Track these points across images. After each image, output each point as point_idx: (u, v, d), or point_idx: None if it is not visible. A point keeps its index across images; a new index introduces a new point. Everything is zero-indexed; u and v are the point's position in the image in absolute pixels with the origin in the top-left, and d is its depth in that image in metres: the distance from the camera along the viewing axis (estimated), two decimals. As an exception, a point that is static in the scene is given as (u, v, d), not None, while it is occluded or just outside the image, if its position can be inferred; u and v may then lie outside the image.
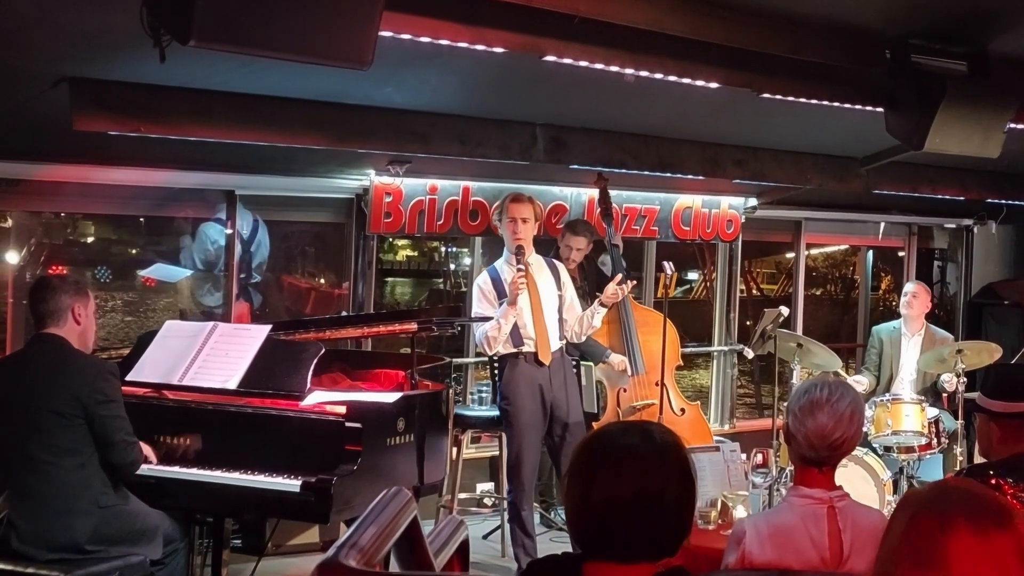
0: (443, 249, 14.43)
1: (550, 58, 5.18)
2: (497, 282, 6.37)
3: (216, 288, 7.53)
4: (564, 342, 6.47)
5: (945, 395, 7.83)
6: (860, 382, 7.89)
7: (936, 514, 1.91)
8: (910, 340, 8.14)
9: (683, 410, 7.12)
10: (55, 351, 4.55)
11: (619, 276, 6.44)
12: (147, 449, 4.86)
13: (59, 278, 4.91)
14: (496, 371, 6.79)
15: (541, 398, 6.31)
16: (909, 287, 8.37)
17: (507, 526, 6.92)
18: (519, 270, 6.18)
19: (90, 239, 13.01)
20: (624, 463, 2.34)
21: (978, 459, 4.90)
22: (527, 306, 6.28)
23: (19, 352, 5.05)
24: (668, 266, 6.80)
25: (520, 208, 6.33)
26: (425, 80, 5.81)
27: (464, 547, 2.63)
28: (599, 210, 7.37)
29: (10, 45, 4.79)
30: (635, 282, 6.63)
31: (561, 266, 6.62)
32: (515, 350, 6.31)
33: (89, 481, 4.46)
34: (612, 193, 7.45)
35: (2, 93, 5.33)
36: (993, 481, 3.80)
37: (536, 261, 6.46)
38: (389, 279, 15.67)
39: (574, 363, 6.66)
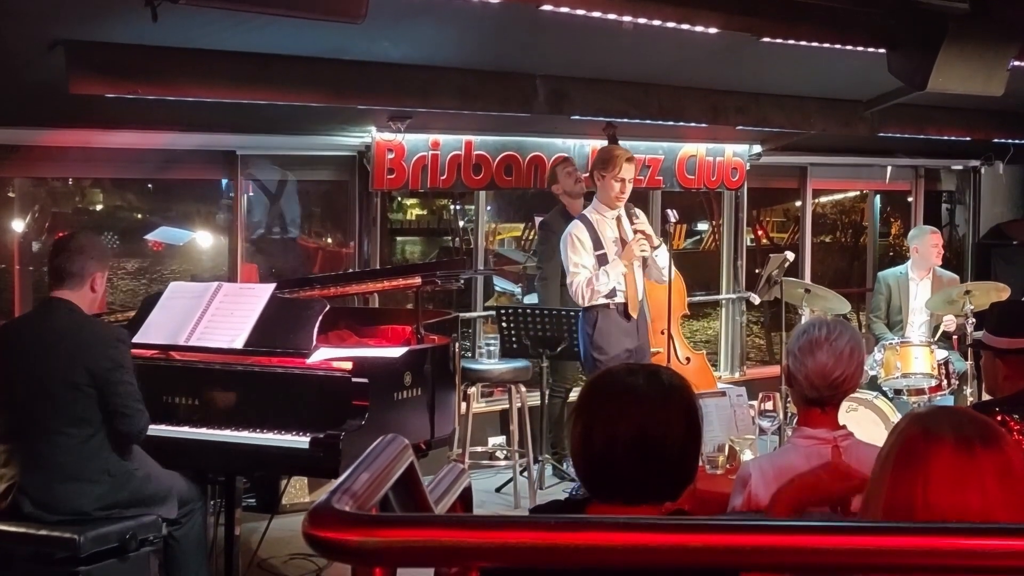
0: (452, 207, 14.39)
1: (547, 7, 5.14)
2: (592, 231, 6.38)
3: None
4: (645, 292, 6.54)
5: (955, 338, 7.80)
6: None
7: (923, 426, 1.93)
8: (919, 284, 8.10)
9: (688, 359, 7.12)
10: (68, 318, 4.50)
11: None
12: None
13: (88, 239, 4.72)
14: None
15: (629, 351, 6.34)
16: (918, 234, 8.31)
17: (519, 479, 6.95)
18: (637, 231, 6.27)
19: (99, 206, 12.99)
20: (628, 403, 2.34)
21: (986, 397, 4.89)
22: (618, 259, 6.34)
23: (30, 315, 4.99)
24: (672, 214, 6.76)
25: (631, 169, 6.33)
26: (423, 33, 5.79)
27: (467, 494, 2.61)
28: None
29: (3, 8, 4.77)
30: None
31: (638, 211, 6.59)
32: (607, 301, 6.33)
33: (99, 450, 4.43)
34: (615, 143, 7.42)
35: (-2, 58, 5.32)
36: (999, 418, 3.79)
37: (622, 214, 6.49)
38: (399, 238, 15.66)
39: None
